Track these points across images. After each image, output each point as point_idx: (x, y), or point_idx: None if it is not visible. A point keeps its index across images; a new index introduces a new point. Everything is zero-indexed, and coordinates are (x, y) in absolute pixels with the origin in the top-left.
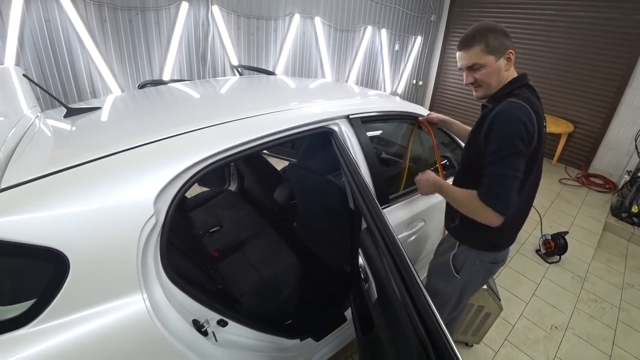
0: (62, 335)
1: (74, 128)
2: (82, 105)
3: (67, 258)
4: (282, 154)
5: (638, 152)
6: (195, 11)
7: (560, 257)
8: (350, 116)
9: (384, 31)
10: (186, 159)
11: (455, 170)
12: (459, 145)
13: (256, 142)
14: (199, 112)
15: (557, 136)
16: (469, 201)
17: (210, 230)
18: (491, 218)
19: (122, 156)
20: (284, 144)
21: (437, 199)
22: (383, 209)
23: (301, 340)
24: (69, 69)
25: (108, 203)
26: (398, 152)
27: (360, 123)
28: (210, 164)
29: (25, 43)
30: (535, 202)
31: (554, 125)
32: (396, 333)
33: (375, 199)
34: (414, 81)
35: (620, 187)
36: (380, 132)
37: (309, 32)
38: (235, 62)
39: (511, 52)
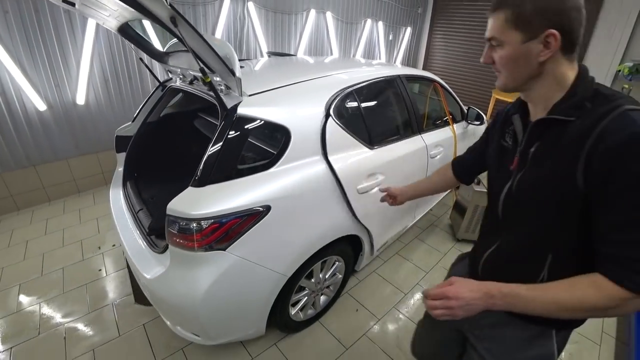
0: (290, 173)
1: (247, 72)
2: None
3: (290, 131)
4: None
5: None
6: (235, 6)
7: None
8: (401, 75)
9: (380, 23)
10: (338, 87)
11: (461, 121)
12: (460, 105)
13: (365, 83)
14: (325, 68)
15: None
16: (598, 296)
17: None
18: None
19: (307, 84)
20: None
21: (447, 135)
22: (422, 133)
23: None
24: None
25: (307, 103)
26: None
27: (406, 80)
28: (346, 93)
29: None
30: None
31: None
32: None
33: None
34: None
35: None
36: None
37: (322, 24)
38: (265, 50)
39: (553, 34)
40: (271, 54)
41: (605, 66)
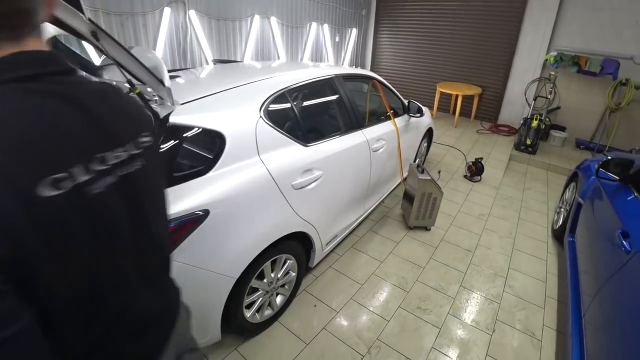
0: (227, 176)
1: (183, 81)
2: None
3: (224, 135)
4: None
5: (528, 103)
6: (176, 15)
7: (480, 177)
8: (337, 75)
9: (326, 26)
10: (271, 90)
11: (402, 114)
12: (401, 100)
13: (300, 84)
14: (261, 72)
15: (471, 98)
16: None
17: None
18: None
19: (241, 88)
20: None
21: (390, 128)
22: (363, 129)
23: None
24: None
25: (240, 107)
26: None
27: (343, 79)
28: (280, 94)
29: None
30: (460, 147)
31: (467, 90)
32: None
33: None
34: (353, 67)
35: (518, 129)
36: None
37: (267, 29)
38: (210, 57)
39: None
40: (217, 61)
41: (534, 56)
